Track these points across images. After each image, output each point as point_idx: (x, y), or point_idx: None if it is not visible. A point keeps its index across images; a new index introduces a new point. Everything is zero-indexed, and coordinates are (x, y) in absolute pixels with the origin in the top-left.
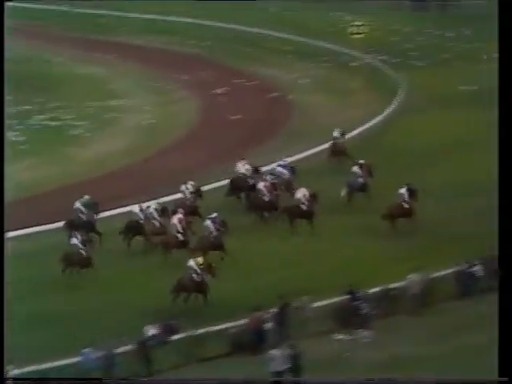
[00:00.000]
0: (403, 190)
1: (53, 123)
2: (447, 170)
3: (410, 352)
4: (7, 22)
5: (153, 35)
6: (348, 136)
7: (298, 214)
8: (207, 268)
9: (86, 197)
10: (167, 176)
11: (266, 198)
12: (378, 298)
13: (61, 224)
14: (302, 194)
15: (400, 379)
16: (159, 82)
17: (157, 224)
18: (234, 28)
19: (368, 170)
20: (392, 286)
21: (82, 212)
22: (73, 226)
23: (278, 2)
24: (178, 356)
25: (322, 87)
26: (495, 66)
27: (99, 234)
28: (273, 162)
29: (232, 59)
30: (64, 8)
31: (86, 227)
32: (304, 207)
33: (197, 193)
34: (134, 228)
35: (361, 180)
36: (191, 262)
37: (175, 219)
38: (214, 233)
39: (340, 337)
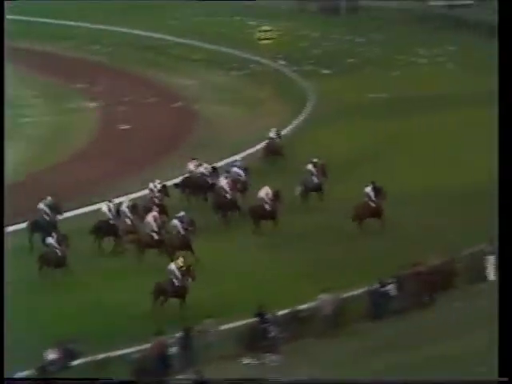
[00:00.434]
0: (369, 189)
1: None
2: (352, 183)
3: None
4: None
5: (54, 41)
6: (255, 149)
7: (262, 214)
8: (187, 271)
9: (49, 198)
10: (67, 189)
11: (229, 196)
12: (287, 320)
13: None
14: (264, 192)
15: (400, 379)
16: (58, 90)
17: (129, 222)
18: (138, 34)
19: (322, 170)
20: (302, 307)
21: (46, 213)
22: (36, 226)
23: (184, 7)
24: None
25: (230, 96)
26: (407, 72)
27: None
28: (178, 175)
29: (136, 66)
30: None
31: (50, 228)
32: (268, 207)
33: (164, 191)
34: (103, 228)
35: (315, 179)
36: (172, 266)
37: (150, 217)
38: (182, 232)
39: (247, 361)
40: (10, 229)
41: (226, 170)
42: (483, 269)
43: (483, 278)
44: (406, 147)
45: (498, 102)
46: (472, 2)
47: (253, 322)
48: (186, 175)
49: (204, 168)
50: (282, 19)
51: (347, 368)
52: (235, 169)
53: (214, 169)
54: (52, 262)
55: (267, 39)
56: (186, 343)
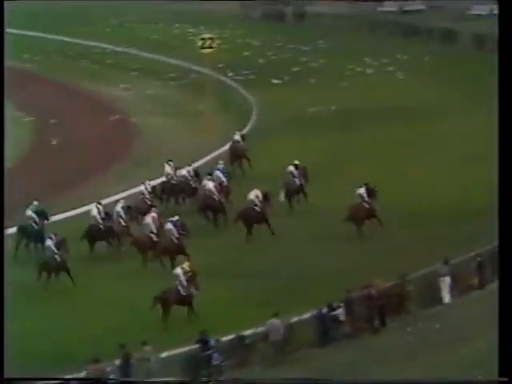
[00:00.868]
0: (362, 190)
1: None
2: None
3: None
4: None
5: None
6: (194, 166)
7: (253, 217)
8: (193, 277)
9: (35, 203)
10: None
11: (217, 199)
12: (232, 346)
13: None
14: (254, 195)
15: (400, 379)
16: None
17: (123, 223)
18: (70, 41)
19: (304, 173)
20: (249, 332)
21: (33, 219)
22: (25, 233)
23: (121, 13)
24: None
25: (169, 109)
26: (356, 82)
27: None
28: (118, 191)
29: (68, 76)
30: None
31: (38, 235)
32: (258, 209)
33: (154, 193)
34: (95, 232)
35: (297, 181)
36: (178, 271)
37: (149, 218)
38: (176, 236)
39: None
40: None
41: (209, 173)
42: (437, 291)
43: (438, 301)
44: (353, 162)
45: (497, 103)
46: (424, 7)
47: (195, 349)
48: (164, 179)
49: (187, 171)
50: (224, 26)
51: None
52: (218, 172)
53: (197, 172)
54: (52, 267)
55: (209, 47)
56: (125, 371)
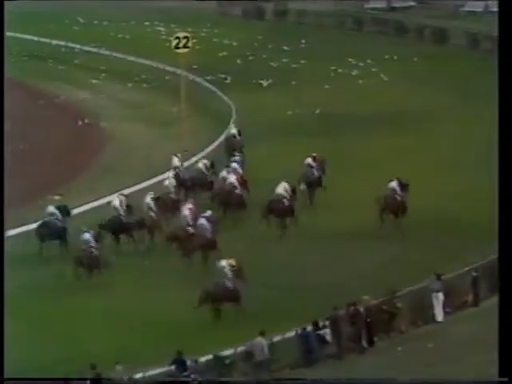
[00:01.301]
0: (394, 184)
1: None
2: None
3: None
4: None
5: None
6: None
7: (281, 210)
8: (239, 271)
9: (57, 198)
10: None
11: (239, 192)
12: (210, 367)
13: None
14: (283, 188)
15: (400, 379)
16: None
17: (153, 216)
18: (35, 40)
19: (321, 165)
20: (228, 352)
21: (56, 217)
22: (46, 231)
23: (89, 11)
24: None
25: (141, 113)
26: (339, 84)
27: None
28: (88, 201)
29: (33, 77)
30: None
31: (61, 232)
32: (287, 202)
33: (184, 185)
34: (117, 225)
35: (315, 173)
36: (223, 263)
37: (186, 210)
38: (210, 231)
39: None
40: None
41: (226, 165)
42: (430, 308)
43: (430, 318)
44: (337, 169)
45: (497, 103)
46: (414, 3)
47: (170, 370)
48: (173, 172)
49: (202, 164)
50: (200, 24)
51: None
52: (235, 164)
53: (213, 164)
54: (90, 263)
55: (184, 47)
56: None
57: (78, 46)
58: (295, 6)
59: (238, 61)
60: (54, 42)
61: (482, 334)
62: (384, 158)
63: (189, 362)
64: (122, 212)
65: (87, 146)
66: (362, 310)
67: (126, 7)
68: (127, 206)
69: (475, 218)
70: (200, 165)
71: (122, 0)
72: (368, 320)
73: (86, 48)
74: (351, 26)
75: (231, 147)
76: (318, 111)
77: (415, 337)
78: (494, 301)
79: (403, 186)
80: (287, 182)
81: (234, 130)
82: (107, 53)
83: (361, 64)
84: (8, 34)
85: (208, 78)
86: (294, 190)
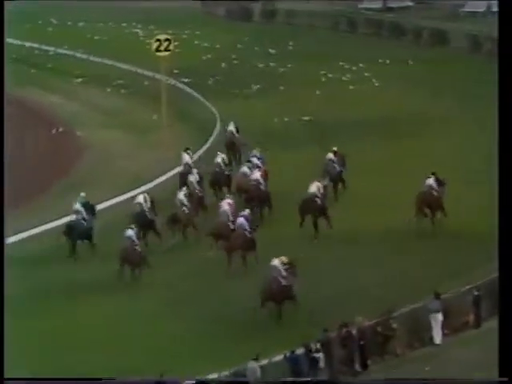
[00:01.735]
0: (431, 180)
1: None
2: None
3: None
4: None
5: None
6: (148, 187)
7: (315, 209)
8: (292, 268)
9: (82, 194)
10: None
11: (263, 189)
12: None
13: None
14: (316, 187)
15: (400, 379)
16: None
17: (186, 211)
18: (4, 42)
19: (342, 160)
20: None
21: (82, 217)
22: (73, 231)
23: (64, 11)
24: None
25: (119, 120)
26: (331, 90)
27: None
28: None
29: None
30: None
31: (88, 233)
32: (319, 202)
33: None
34: (141, 221)
35: (337, 167)
36: (275, 262)
37: (226, 205)
38: (248, 230)
39: None
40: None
41: (247, 160)
42: (427, 329)
43: (427, 340)
44: None
45: (498, 103)
46: (411, 3)
47: None
48: (182, 168)
49: (221, 159)
50: (183, 25)
51: None
52: (255, 159)
53: (230, 159)
54: (134, 260)
55: (165, 50)
56: None
57: (51, 49)
58: (284, 6)
59: (223, 64)
60: (27, 44)
61: (483, 357)
62: (378, 165)
63: None
64: (146, 208)
65: (61, 156)
66: (354, 332)
67: (103, 8)
68: (151, 203)
69: (474, 229)
70: (218, 159)
71: (98, 0)
72: (361, 343)
73: (60, 51)
74: (344, 28)
75: (233, 143)
76: (307, 118)
77: (411, 360)
78: (496, 322)
79: (440, 183)
80: (319, 180)
81: (231, 127)
82: (83, 56)
83: (353, 68)
84: None
85: (190, 82)
86: (325, 189)
